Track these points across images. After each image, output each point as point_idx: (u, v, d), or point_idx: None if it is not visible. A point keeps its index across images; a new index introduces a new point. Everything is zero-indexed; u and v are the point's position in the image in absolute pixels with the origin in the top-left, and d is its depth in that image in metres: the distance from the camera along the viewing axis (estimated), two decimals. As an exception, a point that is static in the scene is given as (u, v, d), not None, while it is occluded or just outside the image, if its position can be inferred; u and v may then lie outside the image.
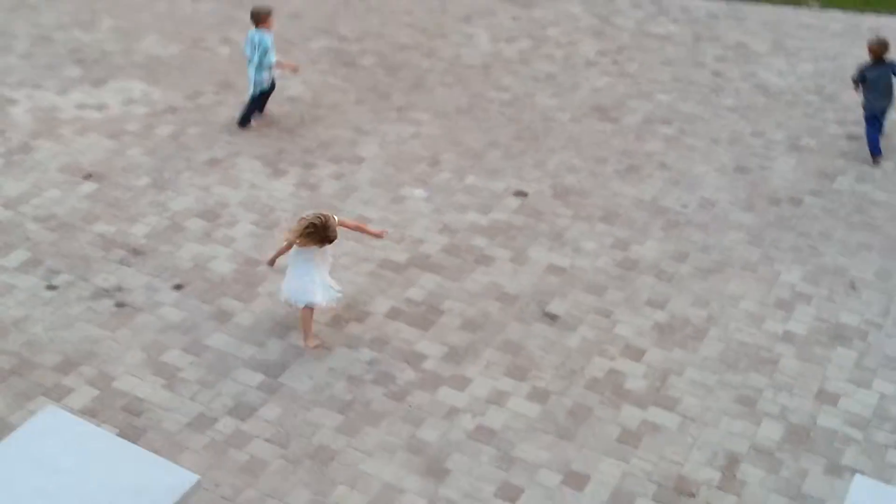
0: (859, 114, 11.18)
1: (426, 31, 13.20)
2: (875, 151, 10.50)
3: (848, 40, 12.92)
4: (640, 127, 11.12)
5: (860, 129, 10.96)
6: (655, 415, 7.51)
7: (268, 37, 10.52)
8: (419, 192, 9.97)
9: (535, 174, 10.29)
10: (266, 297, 8.60)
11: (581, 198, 9.91)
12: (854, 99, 11.54)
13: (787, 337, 8.22)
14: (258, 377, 7.81)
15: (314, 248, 7.86)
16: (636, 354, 8.05)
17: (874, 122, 10.52)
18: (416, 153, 10.61)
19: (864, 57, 10.51)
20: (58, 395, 7.58)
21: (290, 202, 9.81)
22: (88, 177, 10.13)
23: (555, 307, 8.55)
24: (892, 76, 10.35)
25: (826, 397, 7.65)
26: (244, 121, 10.95)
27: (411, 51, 12.73)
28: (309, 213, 7.90)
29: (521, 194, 9.98)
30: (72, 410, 7.41)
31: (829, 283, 8.81)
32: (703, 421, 7.46)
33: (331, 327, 8.29)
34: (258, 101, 10.95)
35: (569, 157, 10.54)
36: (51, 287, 8.66)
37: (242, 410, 7.51)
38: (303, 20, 13.48)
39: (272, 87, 10.90)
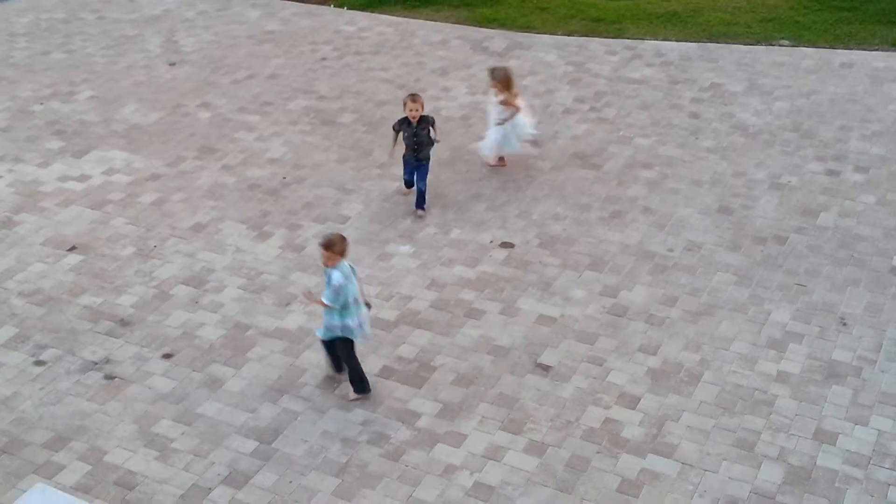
0: (838, 149, 11.28)
1: (404, 86, 13.26)
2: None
3: (821, 77, 13.05)
4: (621, 172, 11.16)
5: (839, 164, 11.06)
6: (654, 463, 7.46)
7: None
8: (405, 249, 9.96)
9: (520, 224, 10.30)
10: (256, 361, 8.54)
11: (567, 246, 9.91)
12: (832, 135, 11.65)
13: (782, 377, 8.20)
14: (251, 444, 7.73)
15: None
16: (631, 402, 8.01)
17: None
18: (401, 209, 10.62)
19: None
20: (49, 472, 7.49)
21: (276, 265, 9.78)
22: (73, 249, 10.09)
23: (547, 358, 8.51)
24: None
25: (824, 436, 7.62)
26: None
27: (390, 106, 12.78)
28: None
29: (507, 245, 9.98)
30: (63, 487, 7.35)
31: (820, 320, 8.81)
32: (702, 467, 7.41)
33: (322, 388, 8.23)
34: None
35: (553, 206, 10.56)
36: (39, 363, 8.58)
37: (237, 479, 7.42)
38: (280, 80, 13.54)
39: None
